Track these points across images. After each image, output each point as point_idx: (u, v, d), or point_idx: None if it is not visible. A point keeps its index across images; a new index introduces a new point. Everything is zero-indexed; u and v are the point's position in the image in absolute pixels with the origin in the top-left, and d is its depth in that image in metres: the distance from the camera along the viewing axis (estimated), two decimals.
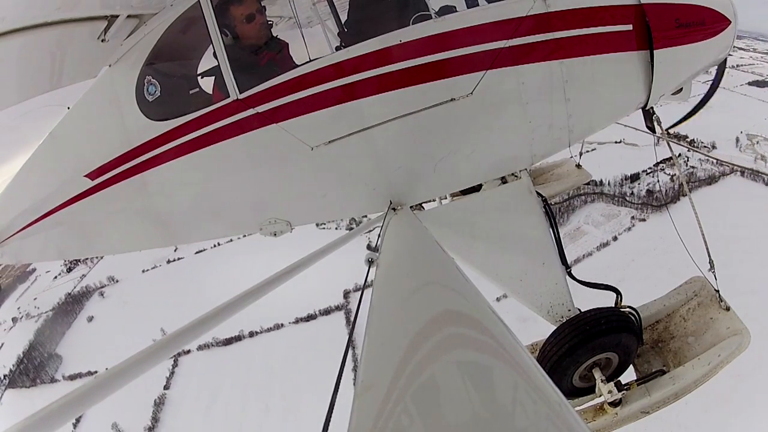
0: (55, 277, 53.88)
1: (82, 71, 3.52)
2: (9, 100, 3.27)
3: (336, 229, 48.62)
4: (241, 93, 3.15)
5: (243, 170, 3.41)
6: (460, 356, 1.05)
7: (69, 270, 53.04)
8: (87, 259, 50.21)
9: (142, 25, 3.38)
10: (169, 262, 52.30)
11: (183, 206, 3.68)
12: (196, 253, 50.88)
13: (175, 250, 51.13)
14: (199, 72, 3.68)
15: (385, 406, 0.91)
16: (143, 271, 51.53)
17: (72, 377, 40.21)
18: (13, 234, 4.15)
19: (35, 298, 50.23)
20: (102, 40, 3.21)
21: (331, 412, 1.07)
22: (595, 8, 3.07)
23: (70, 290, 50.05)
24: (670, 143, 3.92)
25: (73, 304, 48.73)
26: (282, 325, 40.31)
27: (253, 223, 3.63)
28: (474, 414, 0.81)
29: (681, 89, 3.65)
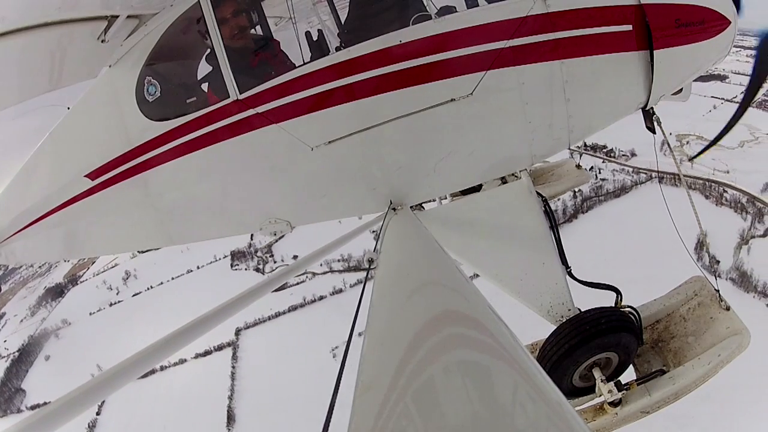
0: (21, 321, 62.55)
1: (82, 71, 3.52)
2: (9, 100, 3.27)
3: (245, 270, 59.59)
4: (241, 93, 3.15)
5: (243, 170, 3.41)
6: (460, 356, 1.05)
7: (33, 314, 61.74)
8: (46, 303, 63.50)
9: (142, 26, 3.37)
10: (111, 305, 61.66)
11: (183, 206, 3.67)
12: (133, 296, 61.70)
13: (117, 294, 63.06)
14: (199, 79, 3.67)
15: (384, 407, 0.91)
16: (90, 314, 60.52)
17: (33, 407, 48.00)
18: (13, 234, 4.15)
19: (5, 341, 58.79)
20: (102, 41, 3.21)
21: (331, 412, 1.07)
22: (595, 8, 3.07)
23: (33, 333, 59.18)
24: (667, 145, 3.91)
25: (34, 345, 57.84)
26: (185, 360, 47.87)
27: (253, 222, 3.63)
28: (474, 414, 0.81)
29: (681, 89, 3.65)
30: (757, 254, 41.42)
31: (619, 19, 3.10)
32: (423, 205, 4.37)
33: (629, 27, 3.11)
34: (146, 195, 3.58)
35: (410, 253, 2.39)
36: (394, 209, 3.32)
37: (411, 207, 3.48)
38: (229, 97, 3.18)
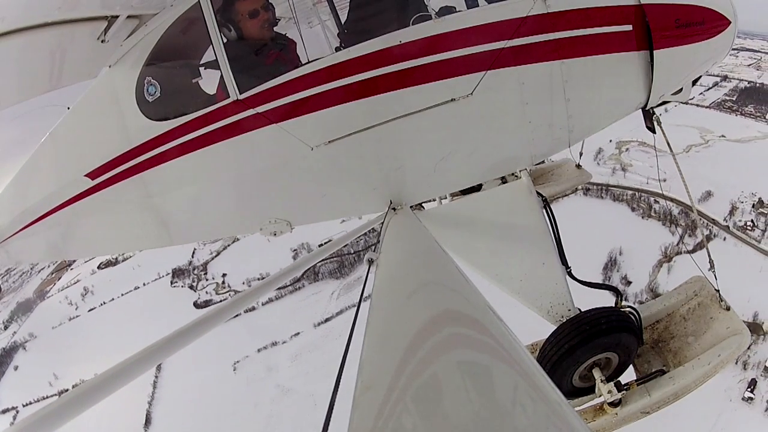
0: None
1: (82, 71, 3.52)
2: (9, 100, 3.27)
3: (181, 287, 68.17)
4: (240, 93, 3.15)
5: (243, 170, 3.41)
6: (460, 356, 1.05)
7: (5, 328, 70.93)
8: (17, 317, 71.25)
9: (142, 26, 3.37)
10: (70, 319, 69.47)
11: (183, 206, 3.67)
12: (89, 311, 69.87)
13: (76, 309, 70.71)
14: (201, 63, 3.67)
15: (384, 407, 0.91)
16: (53, 328, 68.42)
17: (4, 411, 57.64)
18: (13, 234, 4.15)
19: None
20: (102, 41, 3.21)
21: (331, 412, 1.07)
22: (595, 9, 3.07)
23: (5, 345, 67.23)
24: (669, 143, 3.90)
25: (5, 356, 66.05)
26: None
27: (253, 223, 3.63)
28: (474, 414, 0.81)
29: (681, 89, 3.65)
30: (680, 273, 38.25)
31: (619, 19, 3.09)
32: (423, 205, 4.37)
33: (629, 27, 3.11)
34: (146, 195, 3.58)
35: (410, 253, 2.39)
36: (394, 209, 3.32)
37: (411, 207, 3.49)
38: (228, 96, 3.18)
